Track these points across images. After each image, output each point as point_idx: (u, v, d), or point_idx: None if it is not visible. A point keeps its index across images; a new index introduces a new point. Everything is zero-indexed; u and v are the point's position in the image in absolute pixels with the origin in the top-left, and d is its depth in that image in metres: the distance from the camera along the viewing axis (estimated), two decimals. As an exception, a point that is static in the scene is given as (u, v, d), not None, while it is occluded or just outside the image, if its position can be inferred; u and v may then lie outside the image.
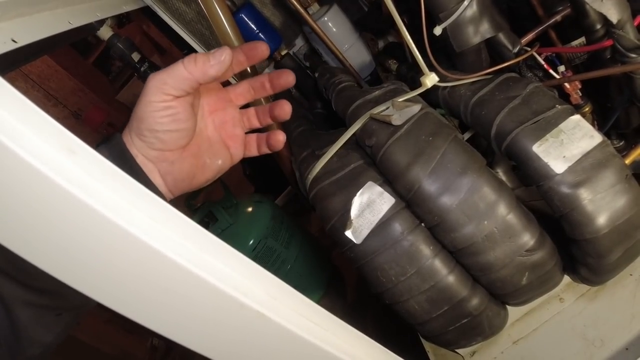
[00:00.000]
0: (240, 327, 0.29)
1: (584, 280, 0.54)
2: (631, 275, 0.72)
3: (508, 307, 0.59)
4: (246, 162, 1.33)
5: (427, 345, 0.66)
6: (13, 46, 0.51)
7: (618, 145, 0.75)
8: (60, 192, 0.21)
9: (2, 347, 0.39)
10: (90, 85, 4.37)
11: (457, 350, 0.58)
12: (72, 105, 4.34)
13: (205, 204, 1.19)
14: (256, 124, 0.48)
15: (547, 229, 0.50)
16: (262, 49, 0.43)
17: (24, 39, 0.53)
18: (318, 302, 1.05)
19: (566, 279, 0.58)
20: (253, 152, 0.48)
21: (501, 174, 0.65)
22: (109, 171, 0.24)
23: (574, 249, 0.49)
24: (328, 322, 0.34)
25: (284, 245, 1.15)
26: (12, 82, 0.23)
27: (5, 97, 0.22)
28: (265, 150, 0.47)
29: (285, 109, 0.44)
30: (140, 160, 0.40)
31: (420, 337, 0.68)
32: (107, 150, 0.40)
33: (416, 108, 0.49)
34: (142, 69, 1.13)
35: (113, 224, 0.23)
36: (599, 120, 0.71)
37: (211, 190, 1.43)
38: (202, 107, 0.45)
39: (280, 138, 0.45)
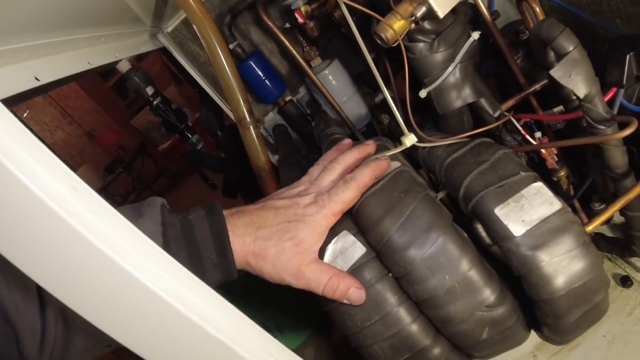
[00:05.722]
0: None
1: (547, 339, 0.57)
2: (604, 336, 0.74)
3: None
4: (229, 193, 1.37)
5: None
6: (36, 84, 0.57)
7: (599, 208, 0.78)
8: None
9: None
10: (107, 107, 4.49)
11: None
12: (87, 125, 4.45)
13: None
14: None
15: (520, 288, 0.53)
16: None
17: (46, 78, 0.59)
18: (307, 340, 1.08)
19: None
20: None
21: (481, 230, 0.68)
22: (105, 209, 0.28)
23: (534, 309, 0.52)
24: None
25: (275, 280, 1.17)
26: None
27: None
28: None
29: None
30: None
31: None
32: (207, 221, 0.47)
33: (394, 165, 0.53)
34: (154, 102, 1.20)
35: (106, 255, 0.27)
36: (576, 184, 0.75)
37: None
38: None
39: None
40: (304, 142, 1.04)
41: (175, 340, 0.31)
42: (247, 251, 0.47)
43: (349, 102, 0.88)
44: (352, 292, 0.47)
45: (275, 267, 0.47)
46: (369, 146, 0.56)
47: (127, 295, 0.28)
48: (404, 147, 0.55)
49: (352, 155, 0.54)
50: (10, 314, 0.40)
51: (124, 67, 1.10)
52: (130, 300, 0.29)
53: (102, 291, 0.28)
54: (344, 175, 0.52)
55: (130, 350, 0.30)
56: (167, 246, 0.43)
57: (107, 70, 4.18)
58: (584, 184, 0.69)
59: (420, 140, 0.56)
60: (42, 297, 0.43)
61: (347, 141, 0.60)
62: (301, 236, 0.47)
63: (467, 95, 0.64)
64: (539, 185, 0.50)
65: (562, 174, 0.70)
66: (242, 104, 0.64)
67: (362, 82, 0.96)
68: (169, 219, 0.45)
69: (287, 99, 1.00)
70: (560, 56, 0.54)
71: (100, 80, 4.50)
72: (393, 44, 0.57)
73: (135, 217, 0.43)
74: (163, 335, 0.31)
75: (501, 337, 0.52)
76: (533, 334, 0.57)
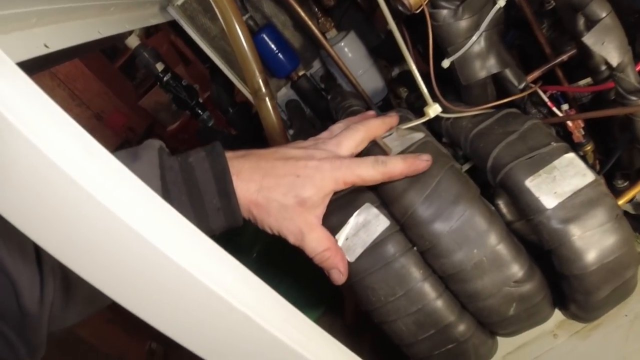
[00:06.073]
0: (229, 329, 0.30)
1: (573, 317, 0.55)
2: (626, 315, 0.72)
3: (499, 338, 0.60)
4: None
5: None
6: (45, 51, 0.55)
7: (622, 186, 0.75)
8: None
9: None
10: (115, 89, 4.47)
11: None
12: (96, 107, 4.44)
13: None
14: None
15: (544, 265, 0.51)
16: None
17: (55, 45, 0.57)
18: (318, 319, 1.07)
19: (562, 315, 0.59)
20: None
21: (502, 206, 0.66)
22: (121, 172, 0.27)
23: (563, 285, 0.50)
24: (314, 332, 0.36)
25: (287, 258, 1.17)
26: (40, 79, 0.26)
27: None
28: None
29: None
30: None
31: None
32: (209, 163, 0.44)
33: (418, 136, 0.51)
34: (164, 78, 1.18)
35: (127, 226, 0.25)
36: (602, 159, 0.72)
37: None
38: None
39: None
40: (317, 118, 1.02)
41: (193, 310, 0.29)
42: (250, 200, 0.45)
43: (365, 76, 0.86)
44: (333, 272, 0.48)
45: (277, 221, 0.47)
46: (393, 118, 0.54)
47: (162, 279, 0.27)
48: (427, 118, 0.53)
49: (377, 124, 0.52)
50: (8, 268, 0.39)
51: (133, 42, 1.08)
52: (164, 282, 0.27)
53: (128, 268, 0.26)
54: (366, 142, 0.50)
55: (150, 323, 0.29)
56: (165, 190, 0.41)
57: (115, 51, 4.15)
58: (611, 158, 0.66)
59: (445, 110, 0.54)
60: (38, 251, 0.41)
61: (371, 112, 0.58)
62: (305, 195, 0.46)
63: (491, 65, 0.61)
64: (572, 156, 0.48)
65: (589, 148, 0.67)
66: (258, 74, 0.62)
67: (378, 55, 0.93)
68: (167, 162, 0.43)
69: (301, 73, 0.97)
70: (592, 23, 0.51)
71: (107, 62, 4.46)
72: (416, 10, 0.55)
73: (131, 161, 0.40)
74: (177, 302, 0.29)
75: (528, 314, 0.50)
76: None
